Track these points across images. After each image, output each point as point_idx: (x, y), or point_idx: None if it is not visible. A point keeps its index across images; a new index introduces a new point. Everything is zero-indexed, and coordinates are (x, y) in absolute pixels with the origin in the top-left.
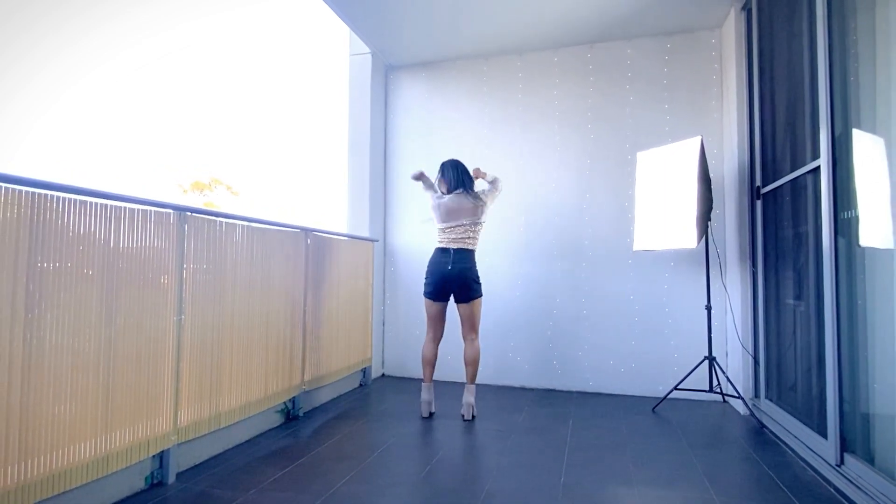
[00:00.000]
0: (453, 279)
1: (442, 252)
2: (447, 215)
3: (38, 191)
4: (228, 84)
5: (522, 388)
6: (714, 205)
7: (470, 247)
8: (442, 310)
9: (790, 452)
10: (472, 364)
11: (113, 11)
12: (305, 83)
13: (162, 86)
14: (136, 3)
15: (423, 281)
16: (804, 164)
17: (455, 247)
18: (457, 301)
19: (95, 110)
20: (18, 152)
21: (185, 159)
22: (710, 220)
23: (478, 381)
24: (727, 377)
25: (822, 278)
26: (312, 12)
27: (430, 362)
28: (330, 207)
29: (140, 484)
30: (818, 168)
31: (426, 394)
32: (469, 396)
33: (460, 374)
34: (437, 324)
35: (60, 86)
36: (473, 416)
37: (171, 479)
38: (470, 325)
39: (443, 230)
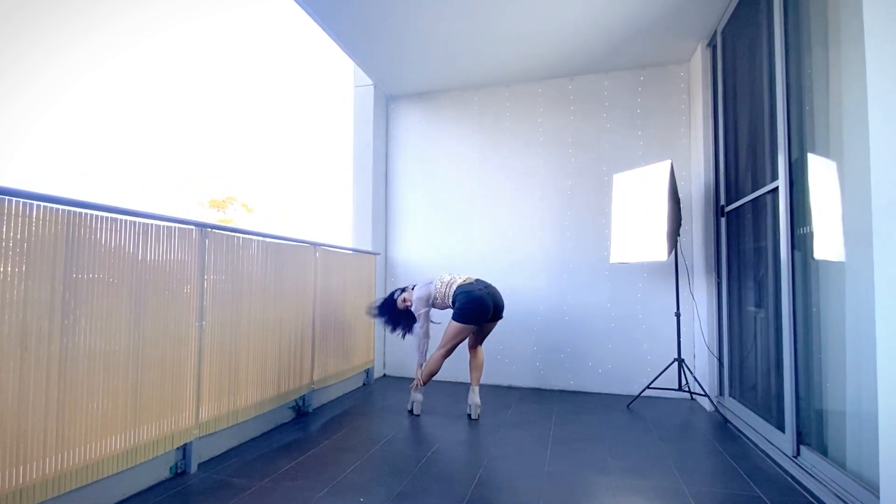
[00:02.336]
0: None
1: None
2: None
3: (74, 209)
4: (229, 87)
5: (510, 387)
6: (682, 221)
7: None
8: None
9: (751, 445)
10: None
11: (112, 12)
12: (304, 94)
13: (161, 86)
14: (136, 3)
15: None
16: (764, 185)
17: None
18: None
19: (95, 111)
20: (18, 153)
21: (185, 160)
22: (679, 235)
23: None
24: (695, 377)
25: (780, 288)
26: (319, 43)
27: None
28: (336, 223)
29: (165, 473)
30: (776, 188)
31: (421, 395)
32: (476, 397)
33: (456, 375)
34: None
35: (60, 86)
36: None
37: (194, 468)
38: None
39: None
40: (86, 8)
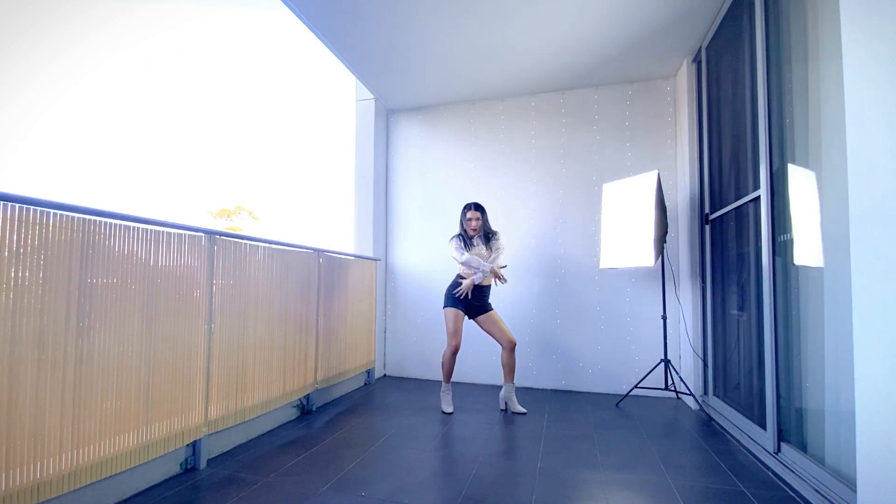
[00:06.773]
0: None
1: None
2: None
3: (89, 217)
4: (230, 93)
5: None
6: (669, 229)
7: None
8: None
9: (734, 442)
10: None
11: (110, 14)
12: (308, 106)
13: (161, 87)
14: (134, 4)
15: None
16: (746, 194)
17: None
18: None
19: (93, 112)
20: (17, 153)
21: (187, 164)
22: (665, 242)
23: (466, 380)
24: (680, 377)
25: (762, 292)
26: (323, 59)
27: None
28: (338, 229)
29: (176, 469)
30: (758, 197)
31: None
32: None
33: (453, 375)
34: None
35: (60, 87)
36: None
37: (203, 464)
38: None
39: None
40: (84, 9)
